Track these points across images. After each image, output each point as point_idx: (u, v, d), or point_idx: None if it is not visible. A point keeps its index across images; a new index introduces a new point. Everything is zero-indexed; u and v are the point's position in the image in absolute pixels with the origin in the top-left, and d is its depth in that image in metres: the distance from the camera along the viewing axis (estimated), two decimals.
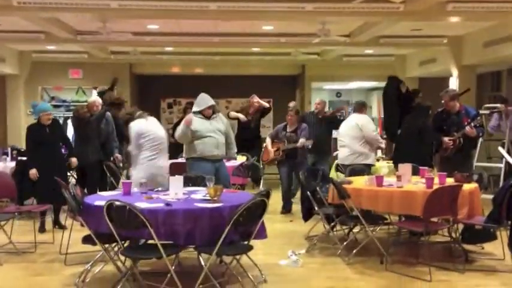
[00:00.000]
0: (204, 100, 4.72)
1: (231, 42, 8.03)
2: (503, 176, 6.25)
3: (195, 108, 4.75)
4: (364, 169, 5.08)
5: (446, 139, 5.04)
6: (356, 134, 5.38)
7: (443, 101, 5.19)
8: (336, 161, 6.44)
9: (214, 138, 4.63)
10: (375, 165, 5.67)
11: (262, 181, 5.86)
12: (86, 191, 4.91)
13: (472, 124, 4.97)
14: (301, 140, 5.75)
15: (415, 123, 5.22)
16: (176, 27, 7.23)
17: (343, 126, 5.61)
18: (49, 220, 5.11)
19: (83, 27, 7.14)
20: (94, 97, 6.11)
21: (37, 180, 4.86)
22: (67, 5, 5.43)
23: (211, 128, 4.65)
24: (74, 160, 5.29)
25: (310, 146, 5.86)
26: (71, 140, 5.67)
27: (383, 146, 5.78)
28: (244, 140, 6.87)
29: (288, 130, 6.00)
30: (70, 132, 9.26)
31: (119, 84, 8.70)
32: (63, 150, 5.41)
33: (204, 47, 8.79)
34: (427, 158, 5.06)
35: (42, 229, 4.97)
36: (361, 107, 5.64)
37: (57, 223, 5.07)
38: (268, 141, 6.15)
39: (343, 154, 5.53)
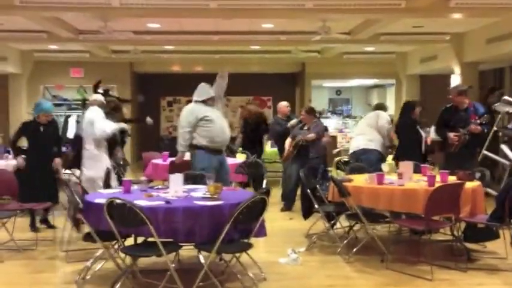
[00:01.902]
0: (204, 90, 4.78)
1: (231, 40, 8.03)
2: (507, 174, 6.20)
3: (196, 98, 4.77)
4: (373, 159, 5.07)
5: (451, 135, 4.99)
6: (372, 122, 5.51)
7: (450, 96, 5.14)
8: (335, 159, 6.43)
9: (220, 123, 4.70)
10: (387, 159, 5.63)
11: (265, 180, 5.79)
12: None
13: (478, 121, 4.94)
14: (311, 135, 5.64)
15: (400, 120, 5.37)
16: (177, 25, 7.23)
17: (362, 120, 5.79)
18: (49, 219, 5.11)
19: (84, 26, 7.16)
20: (94, 95, 6.07)
21: (23, 179, 4.75)
22: (69, 4, 5.45)
23: (216, 114, 4.72)
24: (57, 161, 5.03)
25: (313, 137, 5.66)
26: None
27: (389, 144, 5.62)
28: (248, 139, 6.92)
29: (305, 128, 5.91)
30: (72, 130, 9.34)
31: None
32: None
33: (204, 46, 8.80)
34: (412, 156, 4.93)
35: (34, 228, 4.89)
36: (381, 107, 5.97)
37: (45, 222, 5.04)
38: (288, 141, 6.04)
39: (357, 141, 5.54)
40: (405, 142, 5.28)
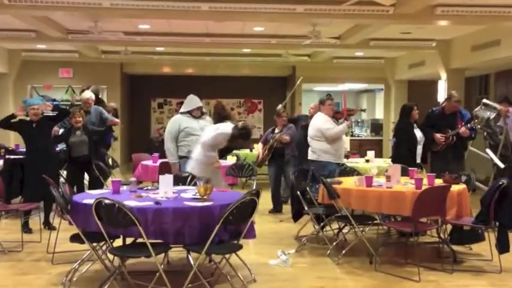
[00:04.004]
0: (192, 101, 4.93)
1: (222, 43, 8.04)
2: (492, 177, 6.31)
3: (183, 109, 4.95)
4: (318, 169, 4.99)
5: (438, 135, 5.15)
6: (316, 134, 5.28)
7: (456, 101, 5.18)
8: None
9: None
10: (344, 164, 5.52)
11: (255, 182, 5.80)
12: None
13: (469, 126, 5.06)
14: (286, 137, 5.79)
15: (398, 124, 5.37)
16: (167, 27, 7.22)
17: (310, 125, 5.49)
18: (36, 219, 5.03)
19: (74, 26, 7.10)
20: (88, 93, 6.09)
21: (25, 178, 4.79)
22: (58, 3, 5.39)
23: (199, 127, 4.80)
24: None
25: (288, 139, 5.81)
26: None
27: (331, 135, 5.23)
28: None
29: (275, 132, 6.07)
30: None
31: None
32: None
33: (195, 48, 8.79)
34: (408, 157, 5.00)
35: (26, 229, 4.81)
36: (318, 105, 5.44)
37: (47, 224, 4.98)
38: (259, 146, 6.27)
39: (309, 152, 5.42)
40: (399, 145, 5.32)
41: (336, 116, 5.33)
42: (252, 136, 4.62)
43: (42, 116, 4.98)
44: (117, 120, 6.24)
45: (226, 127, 4.54)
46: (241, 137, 4.49)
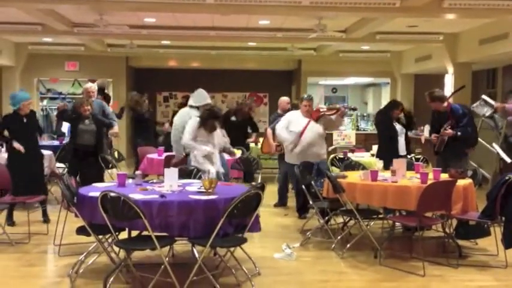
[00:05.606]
0: (201, 96, 4.92)
1: (228, 36, 8.02)
2: (498, 171, 6.26)
3: (191, 102, 4.93)
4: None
5: (432, 136, 5.18)
6: None
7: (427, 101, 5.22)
8: (330, 156, 6.46)
9: None
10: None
11: (260, 176, 5.78)
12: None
13: (445, 126, 4.92)
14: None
15: (378, 115, 5.51)
16: (173, 20, 7.21)
17: None
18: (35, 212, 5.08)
19: (79, 19, 7.11)
20: (89, 84, 6.09)
21: (13, 172, 4.65)
22: None
23: None
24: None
25: None
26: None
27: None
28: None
29: None
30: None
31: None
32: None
33: (200, 41, 8.77)
34: (390, 149, 5.08)
35: (9, 222, 4.77)
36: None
37: (44, 215, 4.96)
38: (269, 132, 5.94)
39: None
40: (382, 139, 5.42)
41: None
42: (220, 112, 4.63)
43: (30, 111, 4.88)
44: (115, 130, 5.96)
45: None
46: (208, 117, 4.44)
